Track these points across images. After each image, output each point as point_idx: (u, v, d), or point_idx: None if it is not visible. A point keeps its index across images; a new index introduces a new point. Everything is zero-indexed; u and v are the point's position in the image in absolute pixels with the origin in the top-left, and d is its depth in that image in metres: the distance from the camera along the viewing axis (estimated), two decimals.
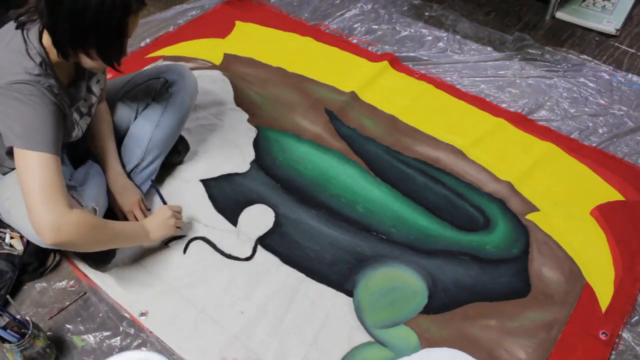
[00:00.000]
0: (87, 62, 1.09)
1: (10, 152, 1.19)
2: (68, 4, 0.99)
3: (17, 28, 1.07)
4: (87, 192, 1.26)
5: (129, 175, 1.40)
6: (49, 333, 1.20)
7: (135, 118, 1.46)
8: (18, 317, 1.11)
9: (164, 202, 1.41)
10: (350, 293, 1.31)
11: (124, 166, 1.39)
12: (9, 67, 1.04)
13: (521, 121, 1.76)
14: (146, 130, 1.42)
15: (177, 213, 1.35)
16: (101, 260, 1.31)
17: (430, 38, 2.12)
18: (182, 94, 1.45)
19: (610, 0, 2.28)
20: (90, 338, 1.21)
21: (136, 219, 1.36)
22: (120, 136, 1.43)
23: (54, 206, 1.04)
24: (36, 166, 1.04)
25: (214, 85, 1.86)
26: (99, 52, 1.07)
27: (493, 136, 1.71)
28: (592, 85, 1.91)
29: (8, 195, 1.21)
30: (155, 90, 1.44)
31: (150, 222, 1.29)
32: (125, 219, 1.36)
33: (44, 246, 1.20)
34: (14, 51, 1.05)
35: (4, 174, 1.25)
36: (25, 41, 1.05)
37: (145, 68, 1.63)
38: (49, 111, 1.06)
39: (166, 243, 1.39)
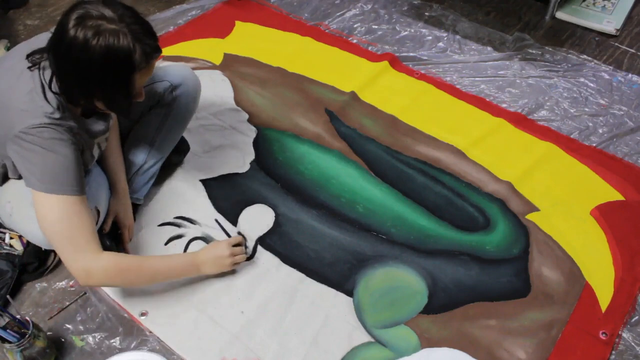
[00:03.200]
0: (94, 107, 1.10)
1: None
2: (72, 61, 0.98)
3: (30, 68, 1.05)
4: (89, 193, 1.25)
5: (131, 177, 1.40)
6: (49, 333, 1.20)
7: (139, 121, 1.45)
8: (18, 317, 1.11)
9: (228, 235, 1.36)
10: (350, 293, 1.31)
11: (126, 169, 1.39)
12: (29, 110, 1.03)
13: (521, 121, 1.76)
14: (149, 133, 1.42)
15: (237, 248, 1.29)
16: None
17: (430, 38, 2.12)
18: (186, 98, 1.44)
19: (610, 0, 2.28)
20: (90, 338, 1.21)
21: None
22: (123, 138, 1.43)
23: (82, 253, 1.07)
24: (59, 210, 1.05)
25: (214, 85, 1.86)
26: (105, 104, 1.08)
27: (493, 136, 1.71)
28: (592, 85, 1.91)
29: (9, 199, 1.21)
30: (159, 94, 1.42)
31: (203, 256, 1.25)
32: (114, 226, 1.35)
33: (46, 247, 1.20)
34: (30, 93, 1.04)
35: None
36: (42, 84, 1.04)
37: None
38: (70, 154, 1.06)
39: (166, 243, 1.39)
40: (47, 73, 1.05)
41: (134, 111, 1.44)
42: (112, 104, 1.08)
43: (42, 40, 1.10)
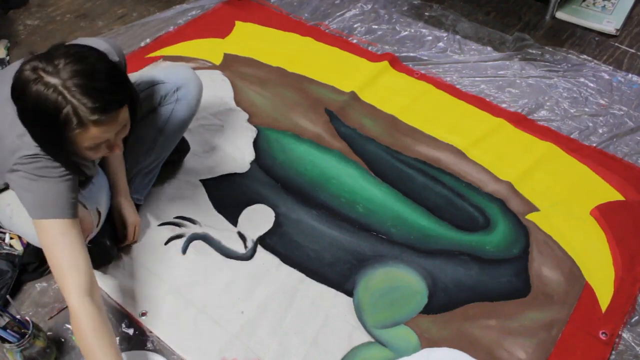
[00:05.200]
0: None
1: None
2: (17, 100, 0.96)
3: None
4: (89, 194, 1.25)
5: (131, 178, 1.40)
6: (49, 333, 1.20)
7: (140, 122, 1.44)
8: (18, 317, 1.11)
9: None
10: (350, 293, 1.31)
11: (127, 169, 1.39)
12: (21, 142, 1.03)
13: (521, 121, 1.76)
14: (151, 134, 1.41)
15: None
16: (101, 260, 1.31)
17: (430, 38, 2.12)
18: (188, 99, 1.44)
19: (610, 0, 2.28)
20: None
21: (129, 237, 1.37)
22: (123, 139, 1.42)
23: (67, 293, 1.04)
24: (50, 234, 1.06)
25: (214, 85, 1.86)
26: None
27: (493, 136, 1.71)
28: (592, 85, 1.91)
29: (9, 202, 1.21)
30: (161, 96, 1.42)
31: None
32: (123, 232, 1.36)
33: None
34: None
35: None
36: None
37: (150, 70, 1.61)
38: (63, 179, 1.06)
39: (166, 243, 1.39)
40: None
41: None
42: (50, 155, 1.03)
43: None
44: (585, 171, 1.62)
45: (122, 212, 1.34)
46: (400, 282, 1.34)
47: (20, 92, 0.94)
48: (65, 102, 0.91)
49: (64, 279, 1.05)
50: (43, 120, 0.95)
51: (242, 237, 1.42)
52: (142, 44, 2.05)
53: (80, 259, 1.06)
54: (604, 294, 1.32)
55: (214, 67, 1.95)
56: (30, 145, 1.03)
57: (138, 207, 1.43)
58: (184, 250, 1.38)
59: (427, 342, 1.23)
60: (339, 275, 1.35)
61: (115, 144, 1.05)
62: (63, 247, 1.06)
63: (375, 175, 1.59)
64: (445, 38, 2.12)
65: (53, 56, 0.93)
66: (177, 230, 1.42)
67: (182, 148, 1.57)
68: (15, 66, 1.08)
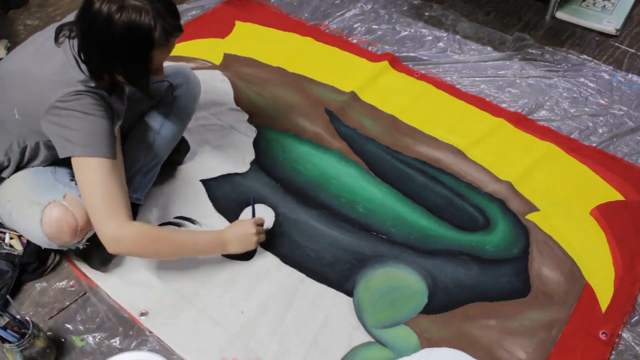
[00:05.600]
0: (115, 80, 1.14)
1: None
2: (95, 33, 1.02)
3: (59, 43, 1.09)
4: None
5: (131, 177, 1.40)
6: (49, 333, 1.20)
7: (139, 121, 1.45)
8: (18, 317, 1.11)
9: (253, 215, 1.37)
10: (350, 293, 1.31)
11: (126, 168, 1.39)
12: (63, 79, 1.07)
13: (521, 121, 1.76)
14: (150, 133, 1.42)
15: (260, 227, 1.32)
16: (101, 260, 1.31)
17: (430, 38, 2.12)
18: (186, 98, 1.44)
19: (610, 0, 2.28)
20: (90, 338, 1.21)
21: None
22: (123, 137, 1.42)
23: (114, 220, 1.09)
24: (99, 172, 1.08)
25: (214, 85, 1.86)
26: (125, 78, 1.11)
27: (493, 136, 1.71)
28: (592, 85, 1.91)
29: (9, 197, 1.21)
30: (160, 94, 1.43)
31: (230, 233, 1.27)
32: None
33: (46, 247, 1.20)
34: (62, 66, 1.08)
35: None
36: (74, 56, 1.08)
37: None
38: (107, 118, 1.10)
39: None
40: (77, 48, 1.09)
41: (133, 113, 1.45)
42: (132, 78, 1.12)
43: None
44: (585, 171, 1.62)
45: None
46: (400, 282, 1.34)
47: (104, 24, 0.99)
48: (155, 22, 1.02)
49: (116, 212, 1.09)
50: (134, 43, 1.03)
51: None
52: None
53: (126, 195, 1.13)
54: (604, 294, 1.32)
55: (213, 67, 1.95)
56: (71, 82, 1.06)
57: (138, 206, 1.43)
58: None
59: (427, 342, 1.23)
60: (339, 275, 1.35)
61: (162, 66, 1.16)
62: (114, 183, 1.10)
63: (375, 175, 1.59)
64: (445, 38, 2.12)
65: None
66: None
67: (182, 148, 1.58)
68: (49, 29, 1.14)
